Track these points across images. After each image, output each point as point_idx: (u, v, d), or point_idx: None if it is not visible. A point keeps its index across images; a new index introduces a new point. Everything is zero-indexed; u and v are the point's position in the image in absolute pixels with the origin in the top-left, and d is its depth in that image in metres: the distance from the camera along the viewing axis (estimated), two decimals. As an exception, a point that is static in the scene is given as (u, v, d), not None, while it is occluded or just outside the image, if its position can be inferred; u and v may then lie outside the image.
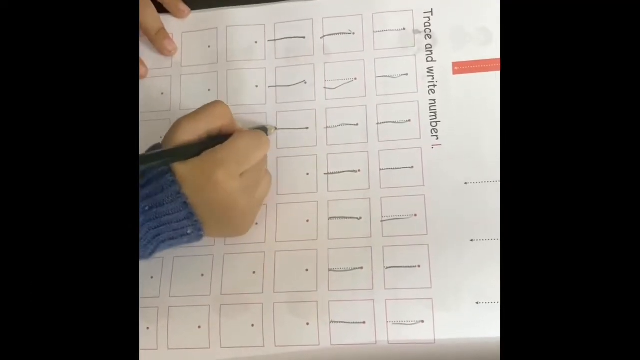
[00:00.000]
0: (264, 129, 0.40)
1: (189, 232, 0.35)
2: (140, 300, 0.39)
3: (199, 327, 0.39)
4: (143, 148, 0.43)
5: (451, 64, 0.42)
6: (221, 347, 0.38)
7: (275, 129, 0.42)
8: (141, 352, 0.38)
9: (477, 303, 0.36)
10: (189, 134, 0.35)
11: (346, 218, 0.40)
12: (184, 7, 0.46)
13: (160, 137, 0.43)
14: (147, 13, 0.45)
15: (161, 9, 0.46)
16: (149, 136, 0.43)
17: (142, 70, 0.45)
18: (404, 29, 0.43)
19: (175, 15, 0.46)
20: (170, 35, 0.45)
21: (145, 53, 0.45)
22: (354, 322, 0.37)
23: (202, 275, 0.40)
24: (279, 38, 0.44)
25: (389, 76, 0.42)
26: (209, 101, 0.43)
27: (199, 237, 0.36)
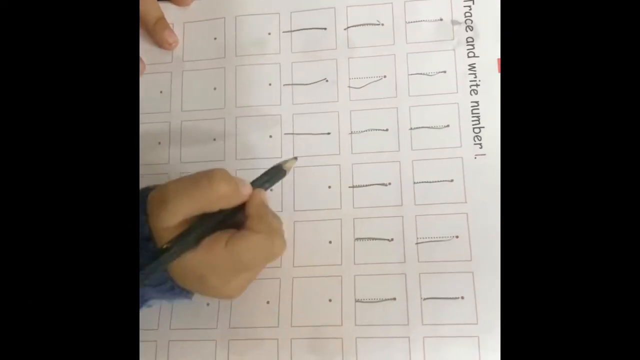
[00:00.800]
0: (279, 169, 0.32)
1: (176, 300, 0.32)
2: (136, 333, 0.34)
3: (204, 365, 0.33)
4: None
5: (496, 61, 0.36)
6: (230, 391, 0.33)
7: (296, 159, 0.33)
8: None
9: (531, 343, 0.31)
10: (180, 216, 0.29)
11: (375, 239, 0.34)
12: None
13: (159, 143, 0.38)
14: (144, 0, 0.39)
15: (161, -4, 0.40)
16: (146, 141, 0.38)
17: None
18: (441, 19, 0.37)
19: (176, 3, 0.40)
20: (171, 26, 0.40)
21: (142, 46, 0.40)
22: (385, 363, 0.32)
23: (208, 304, 0.34)
24: (295, 29, 0.39)
25: (423, 74, 0.36)
26: (214, 101, 0.38)
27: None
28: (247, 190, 0.30)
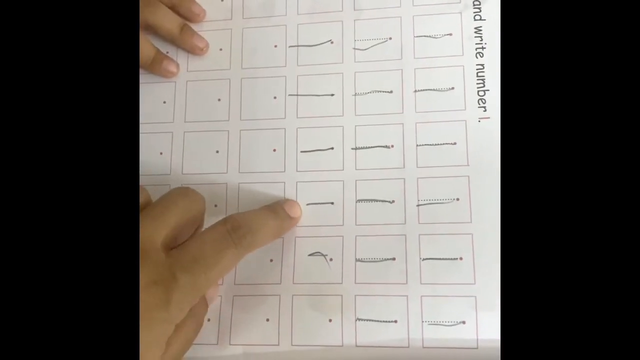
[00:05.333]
0: None
1: None
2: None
3: (208, 319, 0.34)
4: (144, 113, 0.38)
5: (503, 23, 0.36)
6: (230, 344, 0.34)
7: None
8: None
9: (528, 303, 0.31)
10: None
11: (377, 201, 0.34)
12: (199, 10, 0.39)
13: (164, 102, 0.38)
14: (160, 14, 0.38)
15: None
16: (152, 101, 0.38)
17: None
18: (449, -19, 0.37)
19: (190, 20, 0.39)
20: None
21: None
22: (383, 321, 0.33)
23: (211, 261, 0.35)
24: (302, -10, 0.38)
25: (429, 36, 0.36)
26: (220, 62, 0.39)
27: None
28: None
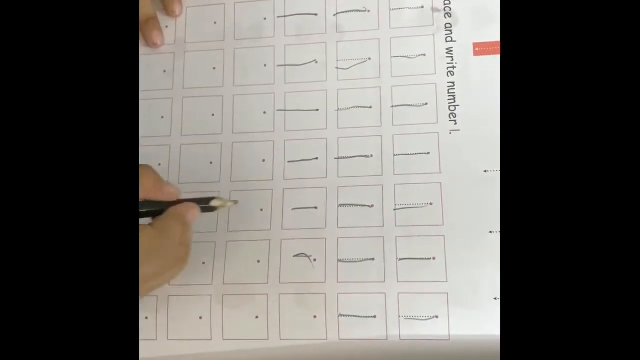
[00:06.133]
0: (209, 207, 0.34)
1: None
2: (139, 288, 0.38)
3: (200, 317, 0.37)
4: (143, 128, 0.41)
5: (472, 45, 0.39)
6: (223, 339, 0.36)
7: (235, 202, 0.35)
8: (139, 343, 0.37)
9: (495, 299, 0.34)
10: None
11: (357, 206, 0.37)
12: (176, 8, 0.43)
13: (162, 117, 0.41)
14: None
15: None
16: (151, 116, 0.41)
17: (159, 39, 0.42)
18: (423, 7, 0.40)
19: (167, 15, 0.43)
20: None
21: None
22: (364, 316, 0.35)
23: (204, 263, 0.38)
24: (289, 14, 0.42)
25: (405, 56, 0.40)
26: (214, 80, 0.42)
27: None
28: (171, 189, 0.32)
